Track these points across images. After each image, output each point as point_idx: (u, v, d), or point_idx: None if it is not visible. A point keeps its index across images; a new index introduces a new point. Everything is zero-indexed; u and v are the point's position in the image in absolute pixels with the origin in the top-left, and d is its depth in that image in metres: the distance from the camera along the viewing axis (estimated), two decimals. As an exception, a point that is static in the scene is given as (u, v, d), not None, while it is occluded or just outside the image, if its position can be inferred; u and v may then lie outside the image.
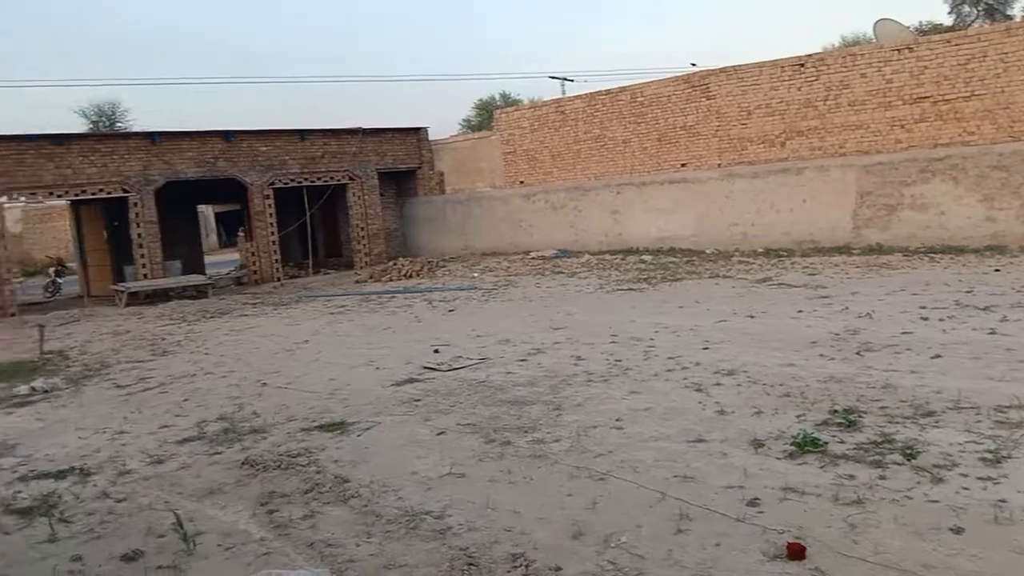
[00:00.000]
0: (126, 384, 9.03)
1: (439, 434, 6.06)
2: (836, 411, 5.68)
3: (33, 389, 8.95)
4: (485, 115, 45.29)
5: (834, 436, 5.17)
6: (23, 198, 18.26)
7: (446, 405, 6.90)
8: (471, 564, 3.79)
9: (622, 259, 17.53)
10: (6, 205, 18.41)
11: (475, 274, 18.04)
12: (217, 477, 5.46)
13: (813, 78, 17.13)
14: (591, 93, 21.72)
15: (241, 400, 7.75)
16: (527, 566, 3.74)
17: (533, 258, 19.51)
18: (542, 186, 21.88)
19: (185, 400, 7.99)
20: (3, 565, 4.26)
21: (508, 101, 45.33)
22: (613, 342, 9.03)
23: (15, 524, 4.88)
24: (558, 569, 3.69)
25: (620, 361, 8.02)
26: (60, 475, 5.80)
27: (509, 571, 3.71)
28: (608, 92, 21.18)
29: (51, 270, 25.41)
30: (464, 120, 48.93)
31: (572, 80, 48.75)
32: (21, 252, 34.80)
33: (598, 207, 19.90)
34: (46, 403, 8.37)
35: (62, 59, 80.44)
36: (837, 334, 8.36)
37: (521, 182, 23.11)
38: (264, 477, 5.34)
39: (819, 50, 29.88)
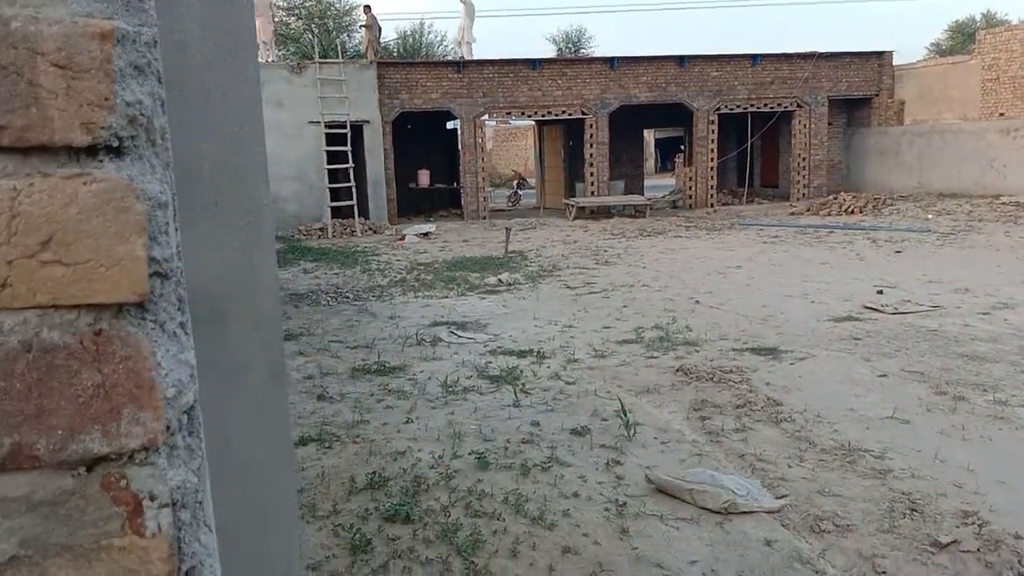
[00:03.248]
0: (574, 286, 10.00)
1: (880, 376, 5.71)
2: None
3: (500, 281, 10.37)
4: (960, 38, 39.50)
5: None
6: (502, 117, 20.81)
7: (889, 348, 6.45)
8: (913, 510, 3.58)
9: None
10: (487, 123, 21.17)
11: (929, 215, 16.22)
12: (653, 378, 5.84)
13: None
14: (1116, 6, 17.67)
15: (674, 313, 8.10)
16: (980, 526, 3.41)
17: (1004, 203, 16.86)
18: (1029, 120, 18.64)
19: (624, 307, 8.60)
20: (480, 417, 5.11)
21: (992, 22, 38.91)
22: (1111, 307, 7.54)
23: (487, 387, 5.78)
24: (1019, 537, 3.32)
25: (1119, 330, 6.68)
26: (521, 354, 6.69)
27: (958, 526, 3.43)
28: None
29: (514, 183, 28.85)
30: (933, 44, 43.25)
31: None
32: (490, 167, 40.18)
33: (1105, 148, 16.38)
34: (509, 293, 9.65)
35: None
36: None
37: (1001, 114, 19.96)
38: (697, 386, 5.57)
39: None
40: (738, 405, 5.14)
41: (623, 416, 4.71)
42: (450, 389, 5.66)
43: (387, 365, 6.35)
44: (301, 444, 4.65)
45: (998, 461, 4.12)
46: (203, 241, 0.96)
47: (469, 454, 4.40)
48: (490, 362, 6.47)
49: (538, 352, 6.72)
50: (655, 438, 4.64)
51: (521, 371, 6.13)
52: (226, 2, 0.93)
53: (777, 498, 3.77)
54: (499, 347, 6.99)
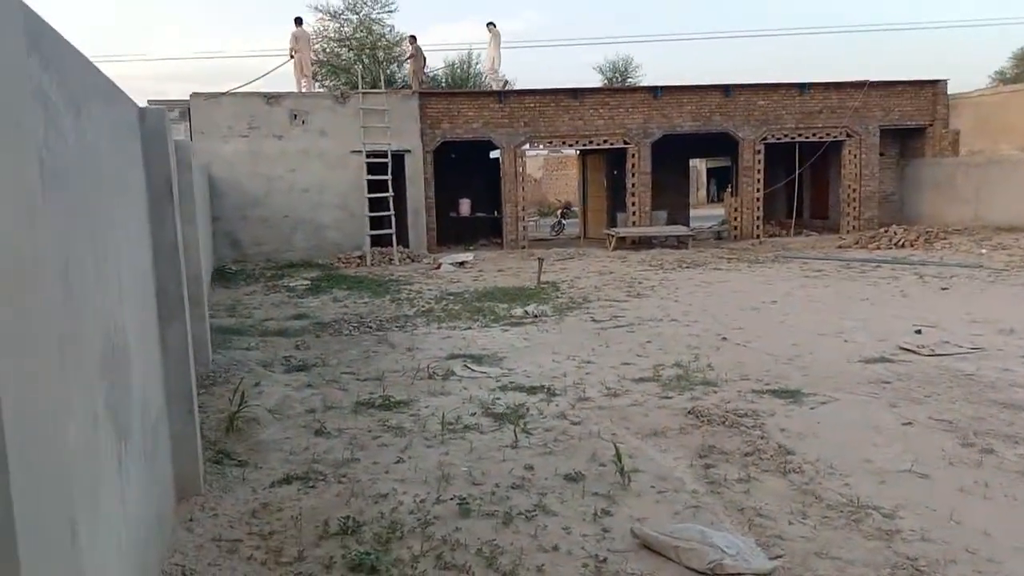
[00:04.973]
0: (601, 319, 9.77)
1: (905, 424, 5.37)
2: None
3: (526, 312, 10.20)
4: (1024, 66, 38.33)
5: None
6: (543, 147, 20.72)
7: (919, 394, 6.08)
8: (917, 579, 3.29)
9: None
10: (529, 153, 21.13)
11: (983, 250, 15.56)
12: (663, 421, 5.59)
13: None
14: None
15: (699, 351, 7.82)
16: (990, 601, 3.11)
17: (1067, 238, 16.12)
18: (1093, 151, 17.81)
19: (648, 342, 8.35)
20: (474, 458, 4.93)
21: (1058, 48, 37.62)
22: None
23: (488, 426, 5.59)
24: (1033, 617, 3.00)
25: None
26: (531, 391, 6.49)
27: (965, 600, 3.12)
28: None
29: (558, 212, 28.76)
30: (997, 72, 41.88)
31: None
32: (539, 195, 40.31)
33: None
34: (533, 326, 9.46)
35: (587, 22, 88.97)
36: None
37: (1064, 145, 19.12)
38: (707, 430, 5.31)
39: None
40: (747, 453, 4.86)
41: (618, 463, 4.47)
42: (450, 427, 5.49)
43: (392, 399, 6.22)
44: (285, 482, 4.53)
45: (1020, 524, 3.79)
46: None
47: (452, 499, 4.22)
48: (498, 398, 6.29)
49: (549, 389, 6.51)
50: (652, 487, 4.40)
51: (527, 409, 5.94)
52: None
53: (770, 559, 3.51)
54: (511, 382, 6.81)
